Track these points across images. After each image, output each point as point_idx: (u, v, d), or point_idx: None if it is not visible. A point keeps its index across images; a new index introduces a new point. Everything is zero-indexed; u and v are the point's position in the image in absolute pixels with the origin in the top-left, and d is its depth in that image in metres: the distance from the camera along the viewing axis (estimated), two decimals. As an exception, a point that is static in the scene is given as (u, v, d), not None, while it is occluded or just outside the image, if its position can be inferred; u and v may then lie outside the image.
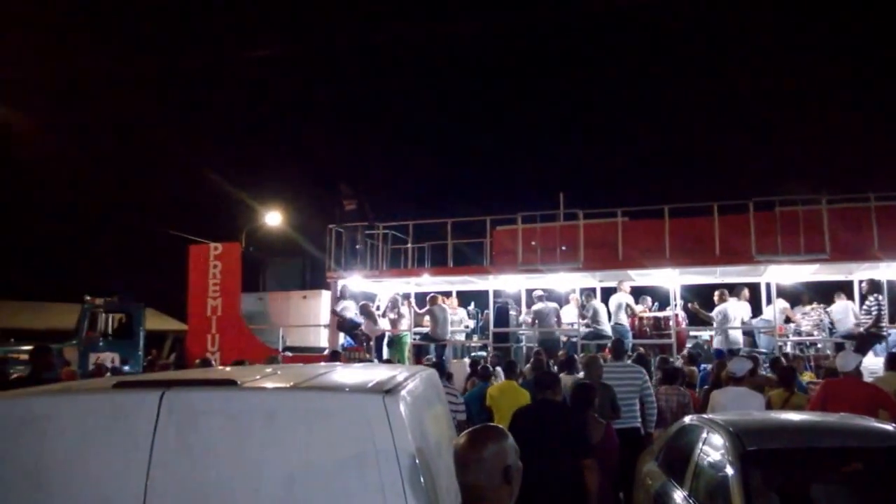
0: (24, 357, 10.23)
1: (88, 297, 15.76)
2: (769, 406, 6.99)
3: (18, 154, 34.33)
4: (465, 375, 11.69)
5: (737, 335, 12.78)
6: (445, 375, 8.91)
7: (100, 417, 2.71)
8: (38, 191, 36.92)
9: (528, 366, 10.81)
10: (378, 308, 15.15)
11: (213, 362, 11.54)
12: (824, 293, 13.73)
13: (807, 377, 10.47)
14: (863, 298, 12.39)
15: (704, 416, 5.64)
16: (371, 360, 13.07)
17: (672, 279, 13.71)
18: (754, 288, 14.22)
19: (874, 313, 11.79)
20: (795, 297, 14.08)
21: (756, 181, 29.86)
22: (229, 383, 2.87)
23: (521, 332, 15.18)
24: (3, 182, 35.23)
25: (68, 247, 34.88)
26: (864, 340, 11.83)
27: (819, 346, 13.35)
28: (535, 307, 14.25)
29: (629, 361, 8.84)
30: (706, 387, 8.95)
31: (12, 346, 15.62)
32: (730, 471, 4.23)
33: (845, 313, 12.41)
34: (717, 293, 13.28)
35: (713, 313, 13.10)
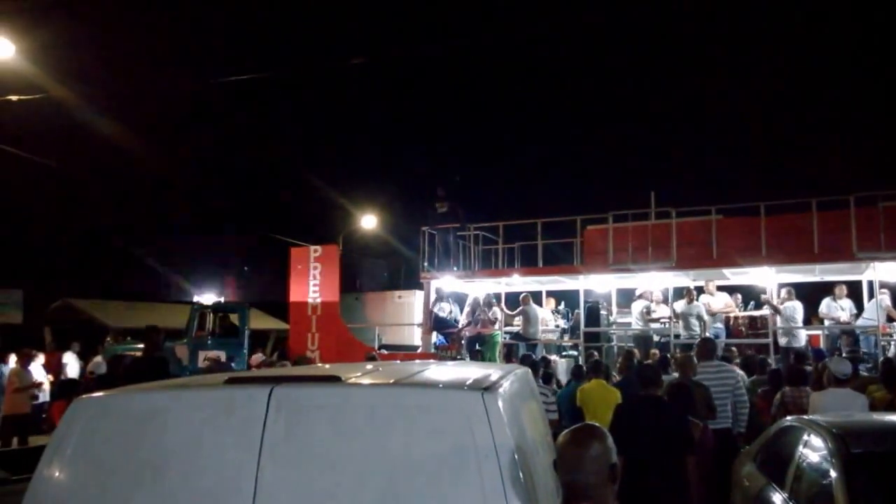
0: (139, 354, 10.87)
1: (197, 298, 16.56)
2: (872, 408, 6.68)
3: (136, 173, 36.67)
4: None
5: (801, 335, 12.46)
6: (542, 376, 8.94)
7: (213, 411, 2.81)
8: (151, 203, 39.23)
9: (615, 361, 10.76)
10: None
11: (311, 360, 11.97)
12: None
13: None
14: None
15: (805, 416, 5.49)
16: (464, 359, 13.24)
17: (769, 277, 13.26)
18: (856, 286, 13.55)
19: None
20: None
21: (856, 176, 28.32)
22: (334, 379, 2.97)
23: (611, 331, 15.03)
24: (122, 199, 37.67)
25: (181, 252, 36.89)
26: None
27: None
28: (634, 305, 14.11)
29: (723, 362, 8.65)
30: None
31: (129, 344, 16.68)
32: (834, 474, 4.11)
33: None
34: (783, 290, 12.83)
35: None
